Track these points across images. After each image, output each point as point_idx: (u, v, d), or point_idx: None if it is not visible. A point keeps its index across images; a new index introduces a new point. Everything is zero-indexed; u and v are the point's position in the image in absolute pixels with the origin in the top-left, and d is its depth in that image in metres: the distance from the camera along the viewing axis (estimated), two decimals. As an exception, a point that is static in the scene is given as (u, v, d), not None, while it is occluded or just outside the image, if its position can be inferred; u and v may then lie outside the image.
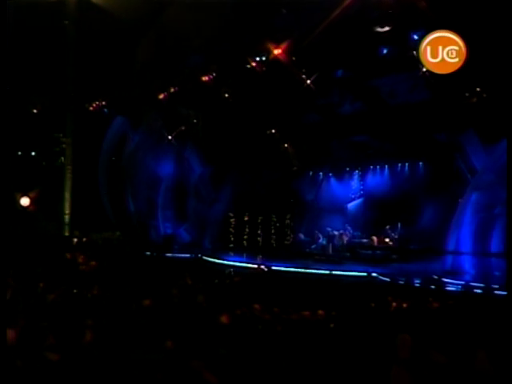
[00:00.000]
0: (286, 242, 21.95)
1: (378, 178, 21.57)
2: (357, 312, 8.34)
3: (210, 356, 3.83)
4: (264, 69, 15.08)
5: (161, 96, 18.25)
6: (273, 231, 22.07)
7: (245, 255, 19.75)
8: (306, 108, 18.27)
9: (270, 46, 14.36)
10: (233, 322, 6.05)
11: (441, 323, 7.30)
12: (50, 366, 3.47)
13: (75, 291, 9.83)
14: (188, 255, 18.92)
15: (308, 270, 14.74)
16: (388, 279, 13.40)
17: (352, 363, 4.83)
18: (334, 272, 14.41)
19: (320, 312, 7.68)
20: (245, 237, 22.05)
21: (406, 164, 20.63)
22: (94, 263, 15.61)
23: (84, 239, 20.61)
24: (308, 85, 15.86)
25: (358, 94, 17.08)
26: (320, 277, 14.33)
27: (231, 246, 21.62)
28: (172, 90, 17.80)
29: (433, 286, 11.85)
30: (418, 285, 12.29)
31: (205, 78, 16.36)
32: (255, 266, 15.83)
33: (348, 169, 22.33)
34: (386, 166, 21.34)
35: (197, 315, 6.70)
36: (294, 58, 14.56)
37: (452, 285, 12.08)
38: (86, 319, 5.55)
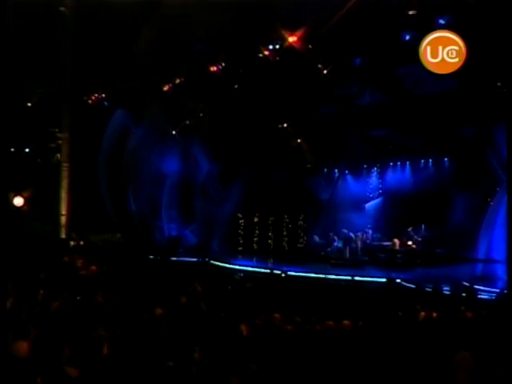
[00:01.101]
0: (298, 245, 21.92)
1: (398, 176, 21.51)
2: (385, 322, 8.28)
3: (242, 372, 3.80)
4: (277, 58, 14.99)
5: (165, 88, 18.20)
6: (285, 233, 22.04)
7: (255, 259, 19.76)
8: (321, 100, 18.18)
9: (285, 33, 14.27)
10: (255, 334, 6.02)
11: (477, 335, 7.22)
12: (71, 382, 3.45)
13: (78, 298, 9.87)
14: (195, 259, 18.90)
15: (328, 276, 14.68)
16: (413, 286, 13.32)
17: (390, 379, 4.77)
18: (355, 278, 14.36)
19: (346, 322, 7.63)
20: (255, 239, 22.05)
21: (430, 160, 20.57)
22: (94, 268, 15.61)
23: (82, 242, 20.63)
24: (325, 74, 15.77)
25: (379, 83, 16.97)
26: (340, 283, 14.30)
27: (240, 249, 21.63)
28: (177, 81, 17.75)
29: (464, 294, 11.74)
30: (447, 292, 12.19)
31: (213, 68, 16.29)
32: (268, 270, 15.82)
33: (366, 166, 22.29)
34: (408, 163, 21.28)
35: (216, 325, 6.69)
36: (310, 46, 14.47)
37: (485, 292, 11.97)
38: (98, 330, 5.55)
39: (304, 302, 9.96)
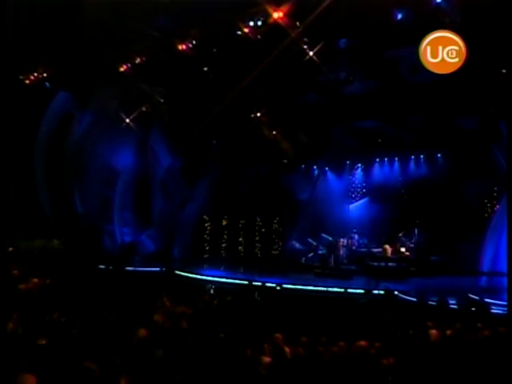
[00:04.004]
0: (273, 252, 21.97)
1: (386, 173, 21.85)
2: (403, 343, 8.36)
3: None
4: (259, 36, 14.87)
5: (122, 68, 17.78)
6: (257, 238, 22.07)
7: (223, 268, 19.62)
8: (304, 86, 18.22)
9: (269, 8, 14.15)
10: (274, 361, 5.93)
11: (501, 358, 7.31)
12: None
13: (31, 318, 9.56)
14: (157, 269, 18.65)
15: (318, 288, 14.74)
16: (414, 299, 13.53)
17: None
18: (348, 290, 14.51)
19: (362, 343, 7.63)
20: (223, 245, 22.00)
21: (421, 156, 20.96)
22: (36, 280, 15.22)
23: (10, 249, 20.00)
24: (311, 57, 15.77)
25: (370, 68, 17.11)
26: (328, 295, 14.41)
27: (206, 256, 21.53)
28: (138, 60, 17.36)
29: (473, 308, 11.98)
30: (454, 306, 12.41)
31: (181, 47, 16.01)
32: (245, 282, 15.80)
33: (349, 161, 22.55)
34: (397, 158, 21.64)
35: (219, 349, 6.56)
36: (297, 24, 14.43)
37: (497, 306, 12.21)
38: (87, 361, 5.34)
39: (298, 318, 9.95)
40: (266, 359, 6.08)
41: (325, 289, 14.53)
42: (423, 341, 9.20)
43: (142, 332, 7.57)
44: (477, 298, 13.13)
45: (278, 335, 7.95)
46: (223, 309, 11.35)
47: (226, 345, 6.73)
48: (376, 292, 14.33)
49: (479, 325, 9.88)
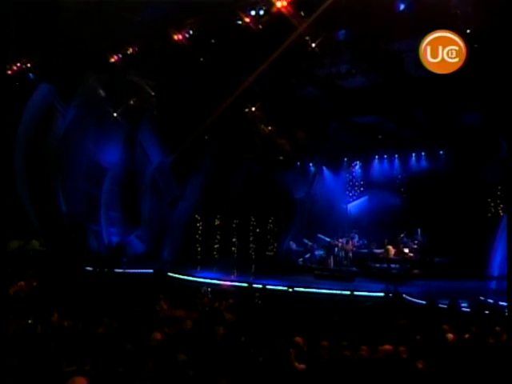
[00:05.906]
0: (268, 253, 21.98)
1: (385, 170, 21.97)
2: (424, 346, 8.42)
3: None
4: (260, 27, 14.85)
5: (113, 59, 17.62)
6: (251, 239, 22.07)
7: (216, 269, 19.58)
8: (305, 79, 18.25)
9: (271, -4, 14.12)
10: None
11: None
12: None
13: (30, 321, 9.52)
14: (149, 271, 18.52)
15: (332, 291, 14.81)
16: (422, 301, 13.65)
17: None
18: (355, 293, 14.58)
19: (387, 347, 7.67)
20: (215, 246, 21.95)
21: (422, 153, 21.11)
22: (23, 283, 15.10)
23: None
24: (313, 49, 15.77)
25: (374, 61, 17.18)
26: (332, 298, 14.47)
27: (198, 257, 21.46)
28: (130, 51, 17.22)
29: (487, 311, 12.12)
30: (466, 309, 12.54)
31: (177, 37, 15.91)
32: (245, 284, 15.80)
33: (346, 159, 22.65)
34: (397, 156, 21.78)
35: (239, 353, 6.57)
36: (302, 14, 14.42)
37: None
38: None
39: (312, 322, 9.98)
40: (301, 366, 6.09)
41: (338, 292, 14.59)
42: (443, 345, 9.27)
43: (158, 335, 7.57)
44: (489, 300, 13.26)
45: (299, 339, 7.98)
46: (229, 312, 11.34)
47: (252, 348, 6.74)
48: (382, 294, 14.43)
49: (498, 328, 9.96)
